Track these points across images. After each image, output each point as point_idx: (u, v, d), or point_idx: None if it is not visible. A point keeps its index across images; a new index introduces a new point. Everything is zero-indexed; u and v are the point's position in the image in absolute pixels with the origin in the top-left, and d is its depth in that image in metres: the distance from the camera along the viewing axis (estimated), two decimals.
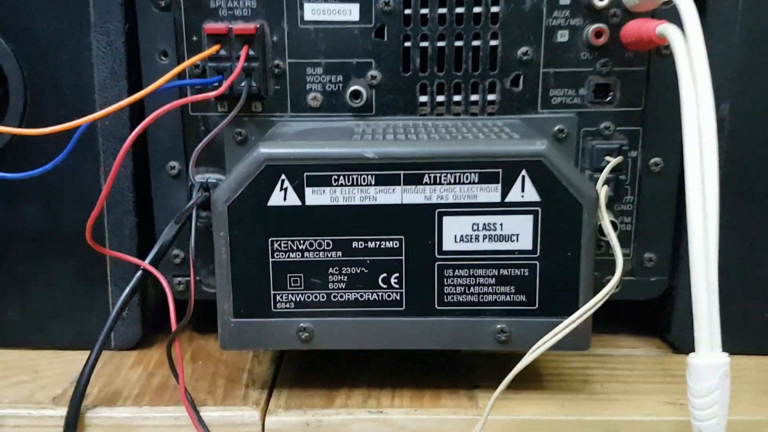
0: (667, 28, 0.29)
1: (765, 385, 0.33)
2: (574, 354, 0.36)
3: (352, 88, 0.35)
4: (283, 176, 0.28)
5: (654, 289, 0.37)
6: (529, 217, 0.29)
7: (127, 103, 0.30)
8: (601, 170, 0.34)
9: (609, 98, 0.35)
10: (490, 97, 0.35)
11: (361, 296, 0.29)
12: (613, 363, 0.36)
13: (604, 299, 0.28)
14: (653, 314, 0.38)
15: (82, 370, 0.30)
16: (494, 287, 0.29)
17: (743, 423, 0.30)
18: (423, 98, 0.35)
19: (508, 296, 0.29)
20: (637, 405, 0.31)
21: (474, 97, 0.35)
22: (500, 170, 0.28)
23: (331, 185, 0.28)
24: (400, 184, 0.28)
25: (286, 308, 0.30)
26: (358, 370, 0.34)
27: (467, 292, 0.29)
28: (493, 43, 0.34)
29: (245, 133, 0.35)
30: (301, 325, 0.30)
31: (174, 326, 0.30)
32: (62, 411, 0.30)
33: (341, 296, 0.29)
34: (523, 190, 0.28)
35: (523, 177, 0.28)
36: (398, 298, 0.30)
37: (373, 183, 0.28)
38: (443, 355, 0.35)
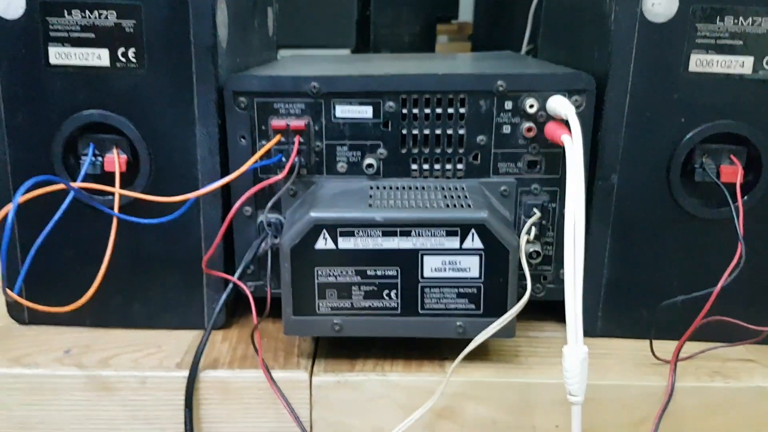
0: (566, 140, 0.46)
1: (634, 360, 0.51)
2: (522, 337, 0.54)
3: (367, 161, 0.52)
4: (324, 231, 0.46)
5: None
6: (477, 257, 0.46)
7: (225, 182, 0.48)
8: (530, 216, 0.52)
9: (537, 169, 0.52)
10: (459, 166, 0.52)
11: (373, 304, 0.47)
12: (537, 343, 0.54)
13: (519, 309, 0.45)
14: None
15: (199, 344, 0.48)
16: (455, 299, 0.47)
17: (612, 387, 0.48)
18: (414, 166, 0.53)
19: (464, 305, 0.47)
20: (546, 372, 0.49)
21: (448, 166, 0.53)
22: (459, 228, 0.46)
23: (354, 236, 0.46)
24: (397, 236, 0.46)
25: (325, 311, 0.47)
26: (370, 349, 0.52)
27: (439, 302, 0.47)
28: (460, 132, 0.52)
29: (295, 189, 0.53)
30: (335, 321, 0.48)
31: (255, 319, 0.48)
32: (184, 372, 0.48)
33: (360, 304, 0.47)
34: (473, 241, 0.46)
35: (473, 233, 0.46)
36: (396, 305, 0.47)
37: (380, 235, 0.46)
38: (425, 341, 0.52)
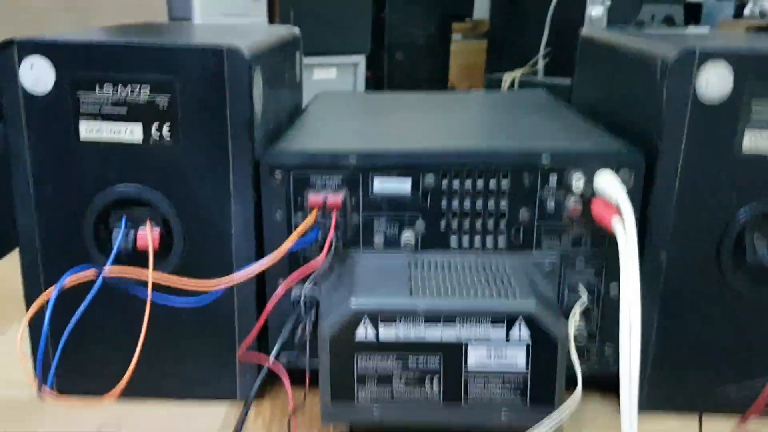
0: (616, 227, 0.44)
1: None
2: None
3: (405, 235, 0.50)
4: (365, 319, 0.45)
5: (613, 369, 0.53)
6: (523, 348, 0.45)
7: (261, 270, 0.46)
8: (574, 292, 0.50)
9: (582, 244, 0.51)
10: (500, 240, 0.51)
11: (414, 392, 0.46)
12: (583, 424, 0.53)
13: (572, 408, 0.44)
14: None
15: (237, 422, 0.47)
16: (500, 389, 0.46)
17: None
18: (454, 239, 0.51)
19: (509, 395, 0.46)
20: None
21: (489, 240, 0.51)
22: (505, 318, 0.44)
23: (396, 324, 0.45)
24: (440, 325, 0.45)
25: (364, 399, 0.46)
26: None
27: (482, 392, 0.46)
28: (502, 206, 0.50)
29: (331, 262, 0.51)
30: (374, 409, 0.46)
31: (291, 404, 0.47)
32: None
33: (401, 392, 0.46)
34: (520, 332, 0.44)
35: (520, 324, 0.44)
36: (438, 394, 0.46)
37: (423, 323, 0.45)
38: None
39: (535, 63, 2.07)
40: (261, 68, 0.50)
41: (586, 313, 0.52)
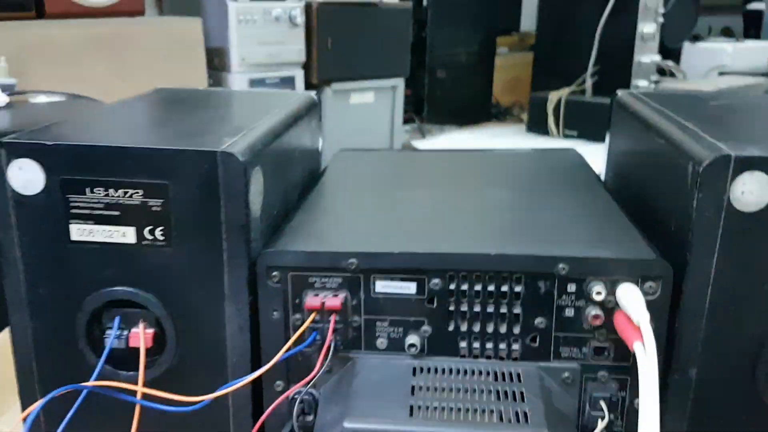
0: (638, 351, 0.40)
1: None
2: None
3: (410, 340, 0.47)
4: None
5: None
6: None
7: (255, 377, 0.44)
8: (596, 409, 0.46)
9: (605, 355, 0.46)
10: (514, 347, 0.47)
11: None
12: None
13: None
14: None
15: None
16: None
17: None
18: (463, 344, 0.47)
19: None
20: None
21: (502, 346, 0.47)
22: None
23: None
24: None
25: None
26: None
27: None
28: (516, 311, 0.46)
29: (330, 364, 0.48)
30: None
31: None
32: None
33: None
34: None
35: None
36: None
37: None
38: None
39: (583, 81, 2.01)
40: (261, 165, 0.47)
41: (609, 427, 0.48)
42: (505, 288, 0.46)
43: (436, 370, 0.47)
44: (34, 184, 0.45)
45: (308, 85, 1.77)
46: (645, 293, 0.44)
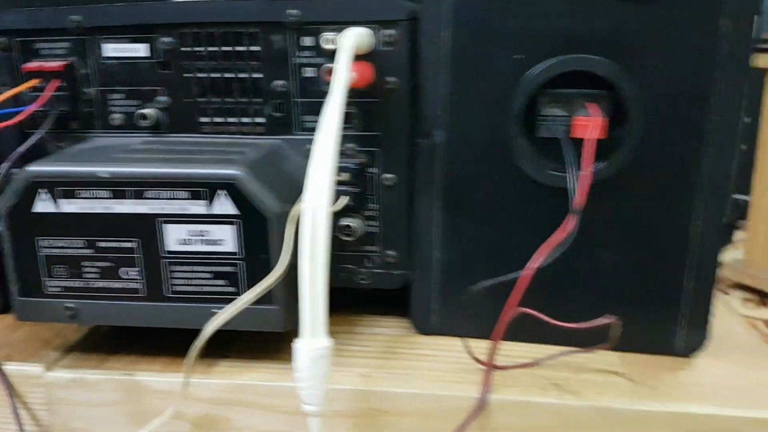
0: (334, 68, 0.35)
1: (459, 364, 0.40)
2: (342, 333, 0.44)
3: (142, 111, 0.43)
4: (41, 189, 0.37)
5: (397, 280, 0.44)
6: (231, 227, 0.36)
7: None
8: (345, 183, 0.41)
9: (351, 124, 0.42)
10: (258, 120, 0.43)
11: (111, 285, 0.38)
12: (362, 339, 0.43)
13: (259, 294, 0.35)
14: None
15: None
16: (210, 280, 0.37)
17: (412, 396, 0.37)
18: (204, 119, 0.43)
19: (221, 287, 0.37)
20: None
21: (245, 119, 0.43)
22: (205, 189, 0.36)
23: (77, 197, 0.37)
24: (130, 198, 0.36)
25: (55, 291, 0.38)
26: (144, 339, 0.42)
27: (189, 284, 0.37)
28: (255, 75, 0.42)
29: (64, 146, 0.44)
30: (67, 305, 0.38)
31: None
32: None
33: (95, 284, 0.38)
34: (223, 205, 0.36)
35: (223, 195, 0.36)
36: (139, 287, 0.38)
37: (110, 196, 0.37)
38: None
39: None
40: None
41: (360, 209, 0.43)
42: (241, 48, 0.41)
43: (167, 143, 0.42)
44: None
45: None
46: (385, 44, 0.40)
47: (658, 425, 0.36)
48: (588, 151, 0.36)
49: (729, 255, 0.56)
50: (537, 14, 0.37)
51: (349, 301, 0.47)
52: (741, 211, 0.61)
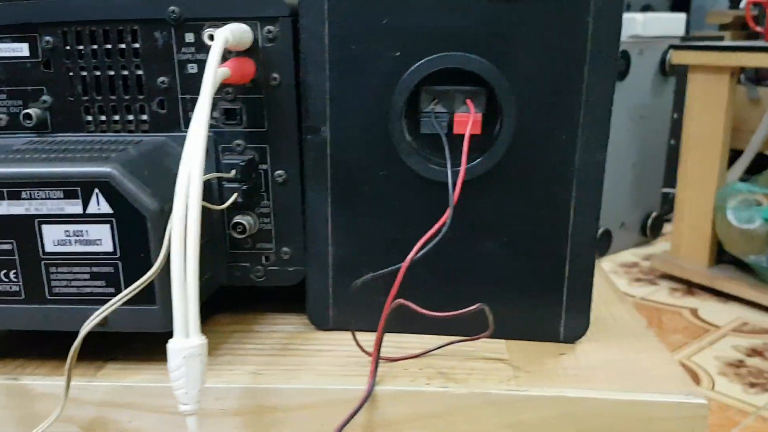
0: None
1: (352, 357, 0.40)
2: (240, 332, 0.44)
3: (26, 111, 0.42)
4: None
5: (293, 277, 0.44)
6: (107, 226, 0.36)
7: None
8: (234, 180, 0.41)
9: (236, 120, 0.42)
10: (143, 117, 0.42)
11: None
12: (258, 337, 0.44)
13: (131, 293, 0.35)
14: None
15: None
16: (89, 281, 0.37)
17: (301, 391, 0.38)
18: (88, 118, 0.42)
19: (101, 288, 0.37)
20: (226, 376, 0.39)
21: (129, 117, 0.42)
22: (79, 188, 0.35)
23: None
24: (5, 199, 0.36)
25: None
26: (47, 342, 0.41)
27: (69, 285, 0.37)
28: (138, 72, 0.41)
29: None
30: None
31: None
32: None
33: None
34: (98, 204, 0.36)
35: (97, 194, 0.35)
36: (18, 289, 0.37)
37: None
38: (100, 336, 0.42)
39: None
40: None
41: (254, 207, 0.43)
42: (122, 46, 0.41)
43: (51, 143, 0.41)
44: None
45: None
46: (267, 40, 0.40)
47: (534, 408, 0.37)
48: (464, 147, 0.37)
49: (658, 246, 0.58)
50: (411, 12, 0.38)
51: (255, 300, 0.47)
52: (671, 204, 0.63)
